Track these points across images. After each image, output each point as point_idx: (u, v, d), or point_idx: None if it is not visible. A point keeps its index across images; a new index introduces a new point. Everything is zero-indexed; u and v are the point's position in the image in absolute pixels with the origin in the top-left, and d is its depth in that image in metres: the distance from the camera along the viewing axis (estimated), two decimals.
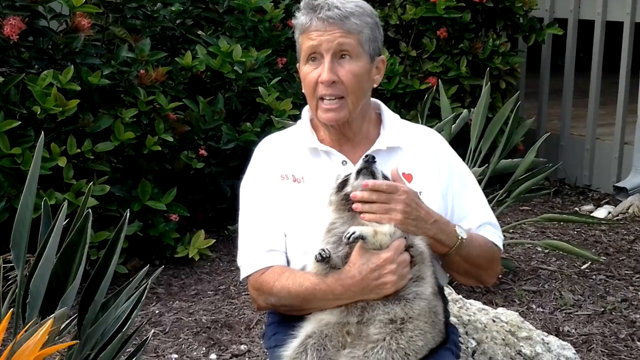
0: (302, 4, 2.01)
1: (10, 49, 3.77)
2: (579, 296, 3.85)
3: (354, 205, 1.85)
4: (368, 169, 1.88)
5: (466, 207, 2.08)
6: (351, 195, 1.85)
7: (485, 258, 2.05)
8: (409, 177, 2.04)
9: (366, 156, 1.89)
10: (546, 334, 2.86)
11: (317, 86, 1.98)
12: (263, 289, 1.99)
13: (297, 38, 2.04)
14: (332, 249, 1.87)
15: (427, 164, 2.07)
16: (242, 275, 2.06)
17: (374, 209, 1.83)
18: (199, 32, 4.77)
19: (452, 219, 2.04)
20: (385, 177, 1.90)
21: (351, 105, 1.99)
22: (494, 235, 2.09)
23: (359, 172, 1.88)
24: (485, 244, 2.04)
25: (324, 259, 1.85)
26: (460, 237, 1.94)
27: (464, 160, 3.81)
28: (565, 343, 2.78)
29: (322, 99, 1.99)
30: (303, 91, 2.07)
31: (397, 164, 2.04)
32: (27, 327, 1.48)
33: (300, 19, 1.99)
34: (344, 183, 1.90)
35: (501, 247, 2.11)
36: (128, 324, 1.83)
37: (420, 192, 2.00)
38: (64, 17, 3.94)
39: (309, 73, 1.99)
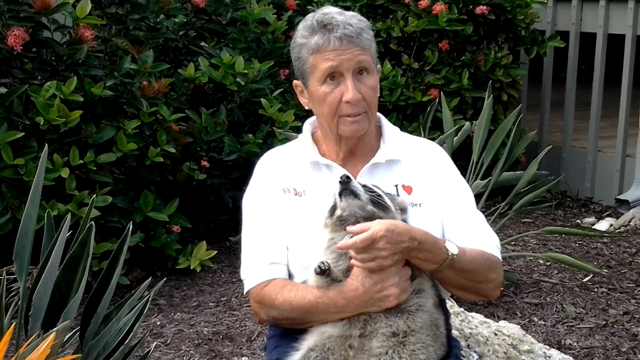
0: (308, 24, 1.99)
1: (13, 59, 3.79)
2: (581, 309, 3.84)
3: (351, 262, 1.85)
4: (347, 189, 1.88)
5: (453, 217, 2.04)
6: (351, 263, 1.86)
7: (482, 271, 1.98)
8: (408, 189, 2.04)
9: (341, 177, 1.90)
10: (548, 347, 2.86)
11: (340, 105, 1.98)
12: (265, 302, 1.99)
13: (304, 58, 2.00)
14: (332, 263, 1.88)
15: (426, 177, 2.07)
16: (245, 289, 2.06)
17: (358, 261, 1.83)
18: (202, 43, 4.79)
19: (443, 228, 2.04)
20: (369, 190, 1.90)
21: (371, 118, 2.03)
22: (491, 245, 2.04)
23: (340, 195, 1.88)
24: (480, 256, 1.98)
25: (323, 271, 1.86)
26: (450, 253, 1.89)
27: (466, 172, 3.87)
28: (567, 356, 2.79)
29: (346, 116, 2.00)
30: (307, 108, 2.08)
31: (396, 177, 2.06)
32: (30, 340, 1.48)
33: (313, 39, 1.96)
34: (334, 207, 1.91)
35: (499, 256, 2.05)
36: (130, 336, 1.83)
37: (420, 204, 2.02)
38: (67, 29, 3.95)
39: (330, 93, 1.98)
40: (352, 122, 1.99)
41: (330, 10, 2.01)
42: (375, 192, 1.90)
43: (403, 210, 1.97)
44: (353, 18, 2.00)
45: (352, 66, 1.96)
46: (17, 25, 3.66)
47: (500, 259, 2.06)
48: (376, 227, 1.80)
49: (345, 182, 1.88)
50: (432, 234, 1.91)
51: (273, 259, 2.02)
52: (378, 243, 1.79)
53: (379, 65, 2.10)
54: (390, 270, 1.84)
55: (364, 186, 1.90)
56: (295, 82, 2.10)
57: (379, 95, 2.07)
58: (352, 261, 1.84)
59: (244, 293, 2.08)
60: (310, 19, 2.01)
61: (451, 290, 2.03)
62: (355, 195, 1.87)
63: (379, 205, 1.88)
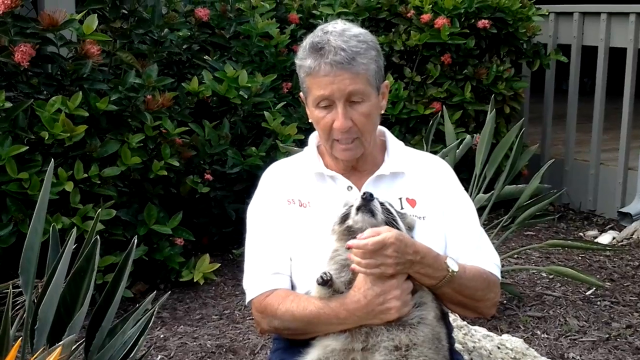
0: (307, 44, 2.00)
1: (19, 74, 3.81)
2: (584, 322, 3.84)
3: (351, 267, 1.86)
4: (366, 207, 1.89)
5: (456, 233, 2.05)
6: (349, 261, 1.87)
7: (481, 289, 2.00)
8: (412, 202, 2.06)
9: (364, 194, 1.90)
10: None
11: (332, 130, 2.00)
12: (267, 312, 2.00)
13: (302, 78, 2.03)
14: (335, 274, 1.89)
15: (431, 190, 2.08)
16: (248, 298, 2.07)
17: (362, 266, 1.83)
18: (206, 57, 4.82)
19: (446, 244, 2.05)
20: (386, 210, 1.91)
21: (365, 143, 2.03)
22: (491, 264, 2.05)
23: (358, 209, 1.90)
24: (480, 275, 2.00)
25: (325, 282, 1.87)
26: (450, 270, 1.91)
27: (468, 185, 3.87)
28: None
29: (337, 140, 2.02)
30: (310, 120, 2.10)
31: (401, 189, 2.07)
32: (36, 355, 1.49)
33: (307, 62, 1.98)
34: (346, 216, 1.92)
35: (499, 276, 2.06)
36: (135, 350, 1.84)
37: (423, 217, 2.03)
38: (73, 44, 3.98)
39: (322, 118, 2.01)
40: (344, 149, 2.02)
41: (331, 29, 1.99)
42: (392, 214, 1.92)
43: (411, 228, 1.98)
44: (352, 40, 1.96)
45: (343, 96, 1.96)
46: (24, 42, 3.69)
47: (500, 278, 2.07)
48: (387, 234, 1.82)
49: (367, 200, 1.89)
50: (434, 250, 1.92)
51: (276, 269, 2.03)
52: (387, 249, 1.81)
53: (385, 82, 2.09)
54: (392, 283, 1.85)
55: (381, 204, 1.91)
56: (301, 94, 2.12)
57: (380, 112, 2.08)
58: (354, 266, 1.84)
59: (246, 303, 2.09)
60: (309, 38, 2.01)
61: (448, 307, 2.04)
62: (372, 214, 1.88)
63: (392, 227, 1.89)
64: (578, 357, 3.48)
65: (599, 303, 4.08)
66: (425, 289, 1.93)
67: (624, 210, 5.41)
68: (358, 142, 2.02)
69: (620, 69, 5.61)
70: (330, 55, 1.94)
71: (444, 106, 4.63)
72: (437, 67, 5.29)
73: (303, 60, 2.00)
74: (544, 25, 5.84)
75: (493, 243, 2.16)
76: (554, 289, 4.27)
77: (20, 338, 1.61)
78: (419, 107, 5.20)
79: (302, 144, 4.03)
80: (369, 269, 1.83)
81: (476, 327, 2.92)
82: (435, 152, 3.03)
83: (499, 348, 2.72)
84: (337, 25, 2.01)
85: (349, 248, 1.85)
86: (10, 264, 3.47)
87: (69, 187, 3.66)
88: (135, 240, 1.97)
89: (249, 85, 4.49)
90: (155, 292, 2.30)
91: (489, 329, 3.08)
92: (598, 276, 4.40)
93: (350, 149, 2.02)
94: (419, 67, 5.39)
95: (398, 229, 1.89)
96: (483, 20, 5.27)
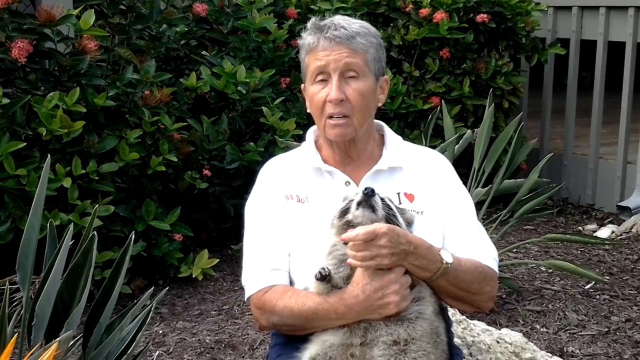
0: (308, 24, 2.05)
1: (17, 70, 3.80)
2: (583, 316, 3.84)
3: (347, 261, 1.86)
4: (367, 202, 1.89)
5: (453, 227, 2.05)
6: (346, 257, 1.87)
7: (476, 282, 1.99)
8: (410, 197, 2.05)
9: (366, 189, 1.90)
10: (550, 354, 2.86)
11: (325, 105, 2.01)
12: (265, 308, 2.00)
13: (302, 58, 2.07)
14: (333, 269, 1.89)
15: (429, 185, 2.08)
16: (246, 294, 2.07)
17: (358, 259, 1.83)
18: (203, 52, 4.81)
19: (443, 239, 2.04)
20: (386, 205, 1.91)
21: (357, 123, 2.03)
22: (488, 257, 2.04)
23: (359, 204, 1.89)
24: (475, 268, 1.99)
25: (323, 277, 1.87)
26: (445, 262, 1.90)
27: (467, 180, 3.87)
28: None
29: (330, 117, 2.02)
30: (309, 111, 2.10)
31: (399, 184, 2.07)
32: (32, 350, 1.49)
33: (307, 39, 2.03)
34: (345, 210, 1.92)
35: (496, 269, 2.06)
36: (133, 345, 1.84)
37: (421, 212, 2.03)
38: (71, 40, 3.97)
39: (317, 93, 2.02)
40: (334, 125, 2.02)
41: (336, 16, 2.06)
42: (392, 209, 1.91)
43: (410, 224, 1.98)
44: (354, 24, 2.02)
45: (339, 67, 1.99)
46: (21, 37, 3.67)
47: (497, 271, 2.07)
48: (378, 224, 1.83)
49: (368, 195, 1.89)
50: (427, 241, 1.91)
51: (274, 265, 2.03)
52: (380, 240, 1.80)
53: (385, 76, 2.10)
54: (390, 277, 1.85)
55: (382, 200, 1.91)
56: (302, 85, 2.13)
57: (377, 103, 2.09)
58: (349, 260, 1.84)
59: (245, 299, 2.08)
60: (313, 19, 2.06)
61: (445, 300, 2.03)
62: (373, 209, 1.88)
63: (391, 223, 1.88)
64: (577, 351, 3.48)
65: (598, 297, 4.08)
66: (423, 283, 1.93)
67: (623, 204, 5.42)
68: (349, 121, 2.02)
69: (619, 63, 5.60)
70: (330, 31, 1.99)
71: (442, 101, 4.63)
72: (435, 62, 5.28)
73: (304, 39, 2.05)
74: (542, 19, 5.83)
75: (492, 237, 2.16)
76: (553, 283, 4.27)
77: (17, 334, 1.61)
78: (418, 102, 5.19)
79: (300, 139, 4.03)
80: (365, 262, 1.83)
81: (475, 322, 2.92)
82: (434, 147, 3.03)
83: (498, 342, 2.72)
84: (343, 17, 2.07)
85: (345, 243, 1.85)
86: (8, 260, 3.47)
87: (67, 183, 3.65)
88: (133, 236, 1.97)
89: (247, 80, 4.49)
90: (153, 288, 2.30)
91: (488, 323, 3.08)
92: (597, 270, 4.40)
93: (340, 125, 2.01)
94: (417, 61, 5.38)
95: (398, 224, 1.89)
96: (482, 15, 5.26)
